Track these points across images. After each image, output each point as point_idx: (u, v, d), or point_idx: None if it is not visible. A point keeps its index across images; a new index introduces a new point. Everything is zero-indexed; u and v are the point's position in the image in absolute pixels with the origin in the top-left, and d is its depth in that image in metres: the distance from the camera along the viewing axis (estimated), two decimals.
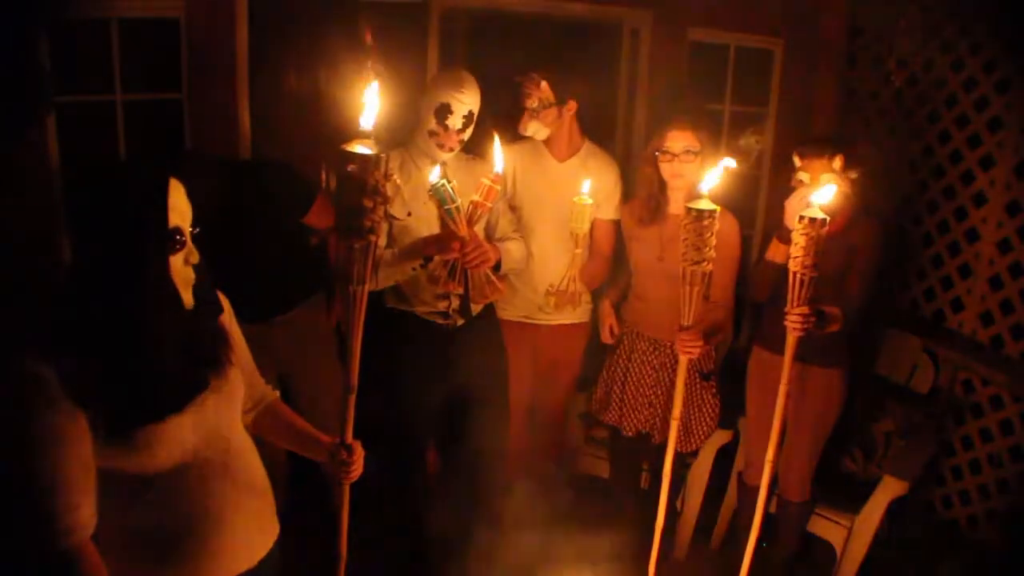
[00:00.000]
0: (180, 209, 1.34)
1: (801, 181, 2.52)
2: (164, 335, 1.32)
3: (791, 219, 2.44)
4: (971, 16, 3.05)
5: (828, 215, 1.89)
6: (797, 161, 2.54)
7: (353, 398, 1.48)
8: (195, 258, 1.36)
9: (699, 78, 3.54)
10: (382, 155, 1.26)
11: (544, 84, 2.71)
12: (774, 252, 2.54)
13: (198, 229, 1.38)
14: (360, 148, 1.26)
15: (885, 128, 3.46)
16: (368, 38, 1.30)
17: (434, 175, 2.21)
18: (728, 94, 3.68)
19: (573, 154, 2.85)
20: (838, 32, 3.60)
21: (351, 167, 1.26)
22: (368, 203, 1.27)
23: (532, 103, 2.73)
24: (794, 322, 2.03)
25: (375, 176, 1.26)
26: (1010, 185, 2.96)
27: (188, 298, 1.36)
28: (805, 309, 2.00)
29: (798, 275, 1.94)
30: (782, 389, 2.05)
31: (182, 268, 1.34)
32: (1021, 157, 2.92)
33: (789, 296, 2.00)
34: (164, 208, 1.29)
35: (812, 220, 1.87)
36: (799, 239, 1.89)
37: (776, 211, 2.81)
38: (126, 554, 1.38)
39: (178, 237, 1.33)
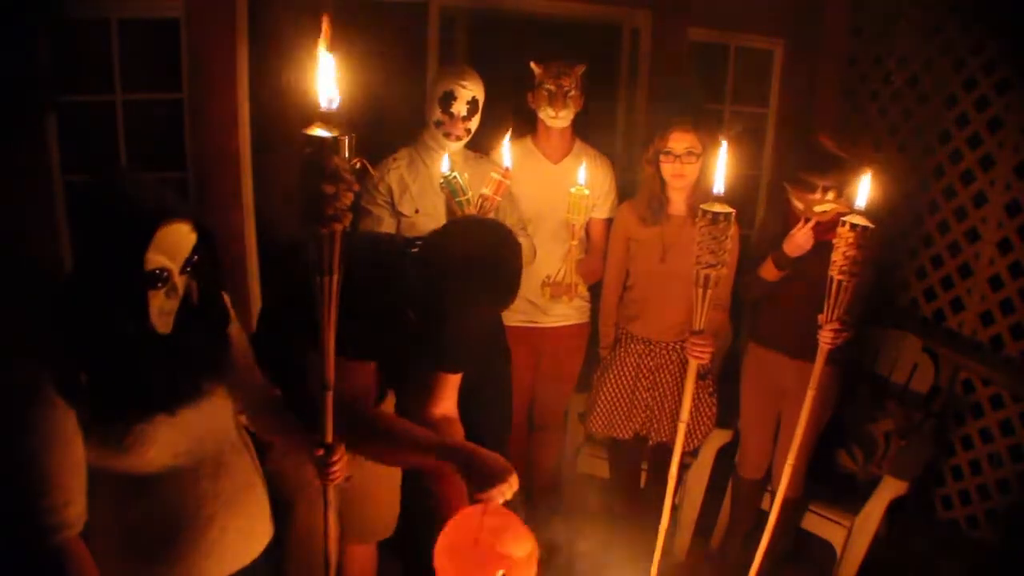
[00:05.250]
0: (172, 249, 1.32)
1: (797, 206, 2.53)
2: (141, 352, 1.33)
3: (795, 249, 2.46)
4: (972, 16, 3.05)
5: (870, 223, 1.87)
6: (788, 188, 2.55)
7: (330, 395, 1.39)
8: (177, 292, 1.34)
9: (699, 78, 3.54)
10: (342, 137, 1.17)
11: (579, 68, 2.71)
12: (768, 272, 2.57)
13: (197, 256, 1.37)
14: (320, 131, 1.17)
15: (885, 128, 3.47)
16: (326, 27, 1.19)
17: (445, 167, 2.24)
18: (728, 94, 3.68)
19: (566, 155, 2.85)
20: (838, 32, 3.60)
21: (308, 151, 1.17)
22: (329, 189, 1.17)
23: (569, 84, 2.69)
24: (826, 337, 2.04)
25: (335, 160, 1.17)
26: (1010, 185, 2.96)
27: (164, 325, 1.35)
28: (837, 324, 2.01)
29: (842, 283, 1.93)
30: (809, 394, 2.06)
31: (163, 301, 1.34)
32: (1021, 157, 2.92)
33: (827, 304, 1.99)
34: (141, 255, 1.28)
35: (864, 229, 1.84)
36: (844, 245, 1.87)
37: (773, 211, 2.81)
38: (119, 552, 1.38)
39: (161, 275, 1.32)
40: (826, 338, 2.05)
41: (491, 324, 1.78)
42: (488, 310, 1.64)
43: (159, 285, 1.32)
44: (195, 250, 1.36)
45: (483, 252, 1.61)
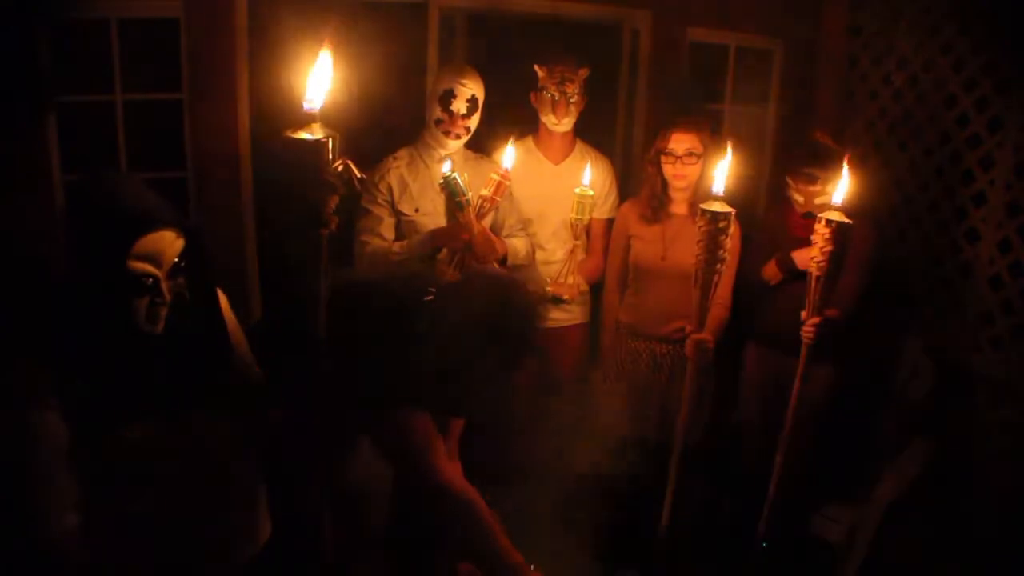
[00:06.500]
0: (156, 257, 1.32)
1: (796, 201, 2.56)
2: (133, 353, 1.33)
3: (806, 263, 2.47)
4: (972, 16, 3.05)
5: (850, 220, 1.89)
6: (790, 182, 2.58)
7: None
8: (165, 298, 1.34)
9: (699, 78, 3.54)
10: (325, 140, 1.13)
11: (583, 72, 2.70)
12: (771, 273, 2.59)
13: (185, 262, 1.36)
14: (304, 134, 1.13)
15: (885, 128, 3.47)
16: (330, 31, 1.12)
17: (446, 167, 2.24)
18: (728, 94, 3.68)
19: (567, 155, 2.85)
20: (838, 32, 3.60)
21: (290, 154, 1.14)
22: (312, 193, 1.14)
23: (573, 90, 2.69)
24: (808, 333, 2.06)
25: (319, 164, 1.13)
26: (1010, 185, 2.96)
27: (154, 327, 1.35)
28: (818, 319, 2.03)
29: (821, 279, 1.95)
30: (795, 392, 2.07)
31: (150, 305, 1.33)
32: (1021, 157, 2.92)
33: (808, 301, 2.02)
34: (122, 263, 1.28)
35: (840, 224, 1.86)
36: (821, 242, 1.89)
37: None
38: (116, 552, 1.38)
39: (145, 282, 1.31)
40: (808, 333, 2.07)
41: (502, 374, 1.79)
42: (497, 368, 1.64)
43: (144, 291, 1.31)
44: (183, 255, 1.36)
45: (496, 313, 1.59)
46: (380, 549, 2.16)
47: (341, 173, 1.18)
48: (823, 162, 2.50)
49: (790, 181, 2.60)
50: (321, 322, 1.26)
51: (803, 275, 2.49)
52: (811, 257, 1.93)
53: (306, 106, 1.13)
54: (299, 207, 1.16)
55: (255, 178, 2.84)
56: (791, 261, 2.55)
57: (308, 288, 1.23)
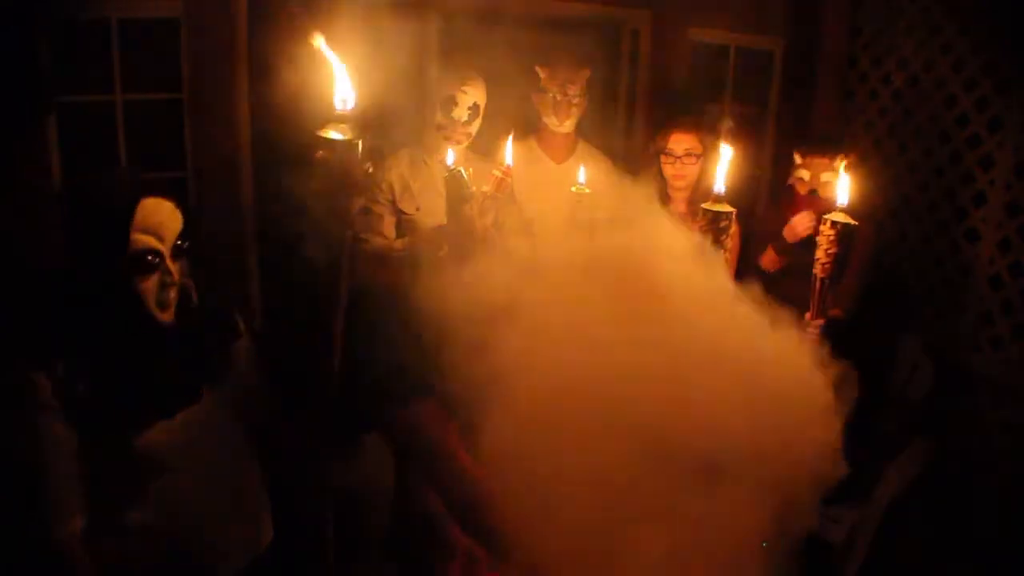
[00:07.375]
0: (157, 229, 1.30)
1: (801, 179, 2.56)
2: (138, 349, 1.32)
3: (793, 236, 2.48)
4: (971, 16, 3.05)
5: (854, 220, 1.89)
6: (797, 159, 2.59)
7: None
8: (173, 278, 1.31)
9: (699, 78, 3.54)
10: (354, 141, 1.12)
11: (585, 73, 2.70)
12: (768, 261, 2.59)
13: (187, 243, 1.35)
14: (333, 133, 1.11)
15: (885, 128, 3.47)
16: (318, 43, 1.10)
17: (450, 159, 2.24)
18: (728, 94, 3.68)
19: (569, 155, 2.85)
20: (838, 32, 3.60)
21: (320, 153, 1.11)
22: (341, 194, 1.13)
23: (574, 92, 2.68)
24: (813, 335, 2.06)
25: (351, 164, 1.12)
26: (1010, 185, 2.96)
27: (165, 316, 1.34)
28: (822, 321, 2.03)
29: (826, 281, 1.95)
30: None
31: (158, 288, 1.32)
32: (1021, 157, 2.92)
33: (811, 302, 2.01)
34: (125, 235, 1.26)
35: (845, 226, 1.87)
36: (826, 243, 1.89)
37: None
38: (119, 554, 1.38)
39: (149, 259, 1.29)
40: (812, 335, 2.07)
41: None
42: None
43: (150, 269, 1.29)
44: (183, 235, 1.34)
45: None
46: (381, 551, 2.16)
47: (372, 174, 1.17)
48: (831, 138, 2.54)
49: (798, 157, 2.61)
50: (339, 323, 1.25)
51: (804, 276, 2.50)
52: (816, 259, 1.92)
53: (339, 106, 1.12)
54: (325, 207, 1.14)
55: (263, 179, 2.84)
56: (784, 241, 2.56)
57: (329, 289, 1.22)
